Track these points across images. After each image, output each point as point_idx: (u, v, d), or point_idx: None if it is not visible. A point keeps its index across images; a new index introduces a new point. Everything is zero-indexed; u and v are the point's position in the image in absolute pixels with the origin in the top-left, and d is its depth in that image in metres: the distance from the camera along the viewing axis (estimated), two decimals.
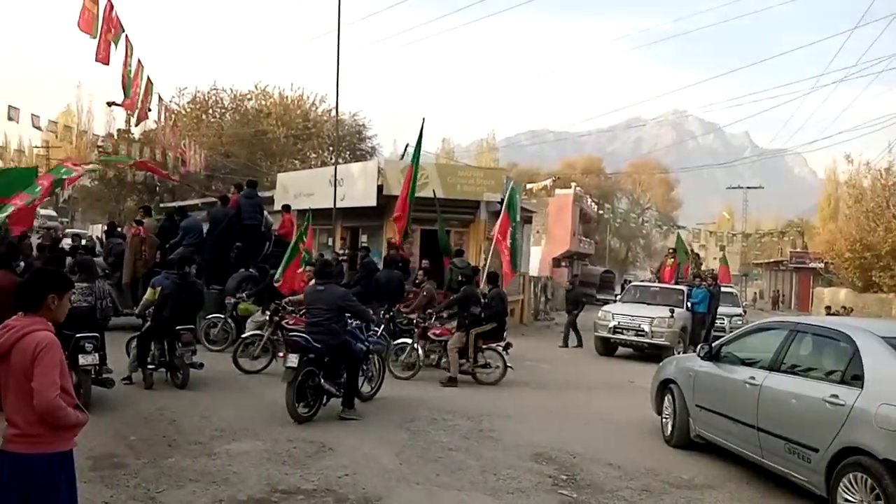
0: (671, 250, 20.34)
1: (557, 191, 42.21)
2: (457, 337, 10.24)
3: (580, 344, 16.11)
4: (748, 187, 61.19)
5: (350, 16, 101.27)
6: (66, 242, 20.02)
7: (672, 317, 14.62)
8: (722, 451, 6.77)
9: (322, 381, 7.46)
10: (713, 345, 7.20)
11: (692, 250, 21.44)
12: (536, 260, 37.08)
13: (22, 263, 8.64)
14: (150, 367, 8.60)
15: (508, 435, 7.39)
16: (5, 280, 6.59)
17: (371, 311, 11.44)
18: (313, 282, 8.76)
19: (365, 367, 8.27)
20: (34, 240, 14.86)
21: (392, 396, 8.95)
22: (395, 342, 10.83)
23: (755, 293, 61.66)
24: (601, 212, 46.65)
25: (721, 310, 19.38)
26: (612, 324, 15.20)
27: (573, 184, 46.14)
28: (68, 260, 10.14)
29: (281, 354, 8.43)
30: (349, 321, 7.92)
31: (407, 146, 17.46)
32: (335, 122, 21.79)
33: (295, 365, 7.20)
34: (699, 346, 7.42)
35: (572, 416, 8.72)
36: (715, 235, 50.02)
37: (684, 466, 6.65)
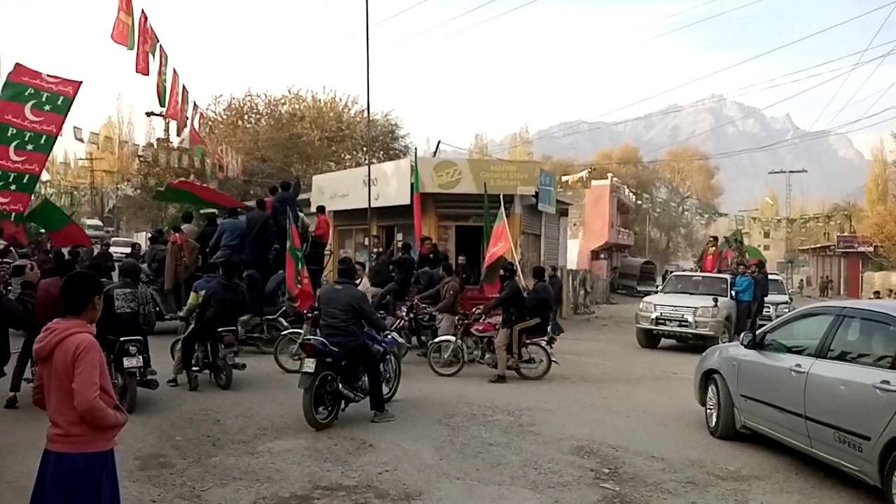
0: (712, 238, 19.93)
1: (593, 182, 41.71)
2: (503, 334, 10.19)
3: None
4: (791, 171, 59.55)
5: (378, 15, 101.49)
6: (115, 250, 20.60)
7: (716, 306, 14.33)
8: (769, 442, 6.61)
9: (340, 385, 7.20)
10: (757, 332, 7.03)
11: (737, 238, 20.92)
12: (574, 253, 36.79)
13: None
14: (194, 368, 8.78)
15: (549, 429, 7.33)
16: (53, 286, 6.79)
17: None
18: (331, 281, 8.72)
19: (383, 369, 7.95)
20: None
21: (432, 393, 8.97)
22: (436, 339, 10.87)
23: (801, 280, 60.05)
24: (639, 202, 46.04)
25: (767, 298, 18.96)
26: (654, 315, 14.97)
27: (609, 174, 45.53)
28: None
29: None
30: None
31: (439, 143, 17.45)
32: (367, 122, 21.90)
33: (311, 370, 6.94)
34: (742, 334, 7.25)
35: (614, 409, 8.61)
36: (759, 222, 48.93)
37: (730, 457, 6.51)
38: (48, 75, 9.12)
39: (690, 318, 14.40)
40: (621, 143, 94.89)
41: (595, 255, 41.17)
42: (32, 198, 10.40)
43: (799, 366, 5.90)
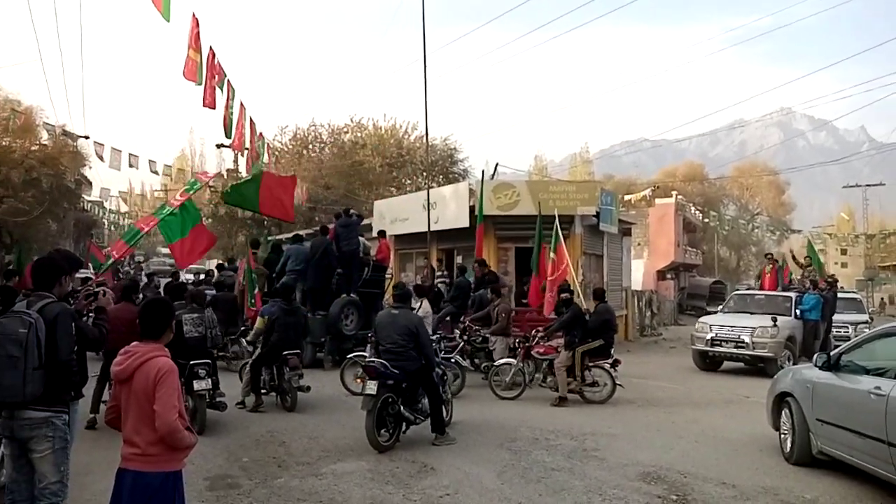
0: (768, 255, 19.10)
1: (658, 200, 40.92)
2: (564, 356, 10.07)
3: None
4: (867, 185, 56.86)
5: (435, 43, 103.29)
6: (186, 277, 21.43)
7: (775, 326, 13.66)
8: (849, 469, 6.27)
9: (401, 408, 7.24)
10: (832, 354, 6.71)
11: (795, 255, 19.87)
12: (639, 273, 36.01)
13: (141, 296, 9.30)
14: (262, 391, 9.02)
15: (614, 454, 7.16)
16: (127, 312, 7.12)
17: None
18: (387, 306, 8.77)
19: (443, 392, 7.92)
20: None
21: (492, 416, 8.91)
22: (496, 363, 10.83)
23: (882, 298, 56.94)
24: (706, 220, 44.78)
25: (845, 317, 17.99)
26: (709, 336, 14.39)
27: (674, 192, 44.54)
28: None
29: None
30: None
31: (497, 165, 17.51)
32: (426, 148, 22.22)
33: (374, 392, 7.00)
34: (816, 356, 6.93)
35: (682, 434, 8.34)
36: (835, 238, 46.81)
37: (807, 485, 6.21)
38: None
39: (747, 339, 13.78)
40: (686, 160, 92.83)
41: (661, 275, 40.16)
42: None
43: (879, 388, 5.59)
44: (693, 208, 46.54)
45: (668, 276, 41.25)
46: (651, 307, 27.05)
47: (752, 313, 14.73)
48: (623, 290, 21.56)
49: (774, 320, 13.79)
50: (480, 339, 11.62)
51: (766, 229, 51.63)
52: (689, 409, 10.13)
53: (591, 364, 10.23)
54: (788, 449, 7.00)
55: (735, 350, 14.08)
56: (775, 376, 7.89)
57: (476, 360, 11.87)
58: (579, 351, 10.04)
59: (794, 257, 18.99)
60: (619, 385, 10.32)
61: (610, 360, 10.33)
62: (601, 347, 10.24)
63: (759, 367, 13.86)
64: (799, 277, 16.97)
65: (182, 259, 10.64)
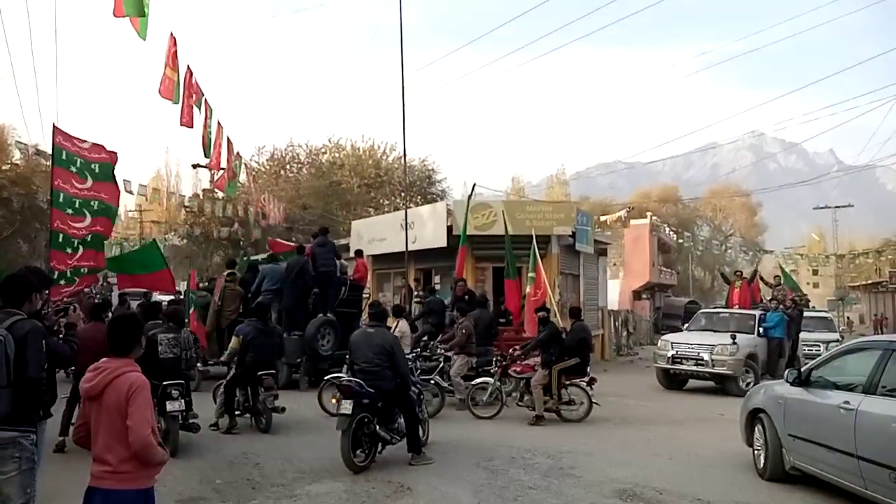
0: (737, 273, 19.26)
1: (633, 221, 41.39)
2: (540, 374, 10.08)
3: None
4: (837, 206, 58.11)
5: (414, 64, 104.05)
6: (158, 297, 21.09)
7: (734, 343, 13.73)
8: (821, 483, 6.34)
9: (377, 427, 7.18)
10: (802, 369, 6.82)
11: (763, 276, 20.08)
12: (615, 293, 36.27)
13: (110, 314, 9.13)
14: (236, 412, 8.90)
15: (590, 472, 7.18)
16: (97, 331, 7.01)
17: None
18: (363, 325, 8.70)
19: (419, 411, 7.85)
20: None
21: (470, 435, 8.89)
22: (474, 382, 10.80)
23: (847, 318, 57.87)
24: (681, 241, 45.36)
25: (816, 336, 18.26)
26: (670, 353, 14.45)
27: (649, 213, 45.11)
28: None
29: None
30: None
31: (474, 186, 17.62)
32: (404, 168, 22.30)
33: (349, 412, 6.91)
34: (787, 372, 7.04)
35: (658, 452, 8.39)
36: (807, 259, 47.65)
37: (780, 501, 6.28)
38: (82, 141, 9.57)
39: (707, 357, 13.83)
40: (660, 182, 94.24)
41: (637, 295, 40.52)
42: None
43: (847, 403, 5.69)
44: (667, 229, 47.15)
45: (644, 295, 41.63)
46: (627, 327, 27.25)
47: (715, 331, 14.73)
48: (599, 310, 21.71)
49: (734, 338, 13.84)
50: (435, 357, 11.52)
51: (739, 250, 52.41)
52: (665, 427, 10.19)
53: (567, 382, 10.25)
54: (762, 465, 7.07)
55: (695, 368, 14.12)
56: (748, 393, 7.99)
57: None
58: (556, 369, 10.07)
59: (761, 277, 19.15)
60: (596, 403, 10.36)
61: (586, 379, 10.37)
62: (578, 366, 10.28)
63: (721, 385, 13.95)
64: (769, 298, 17.12)
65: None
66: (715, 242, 50.49)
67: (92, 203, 9.58)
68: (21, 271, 4.87)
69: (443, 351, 11.49)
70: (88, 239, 9.59)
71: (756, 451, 7.28)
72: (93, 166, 9.61)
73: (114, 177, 10.06)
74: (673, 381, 14.86)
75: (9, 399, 3.85)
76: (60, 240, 9.24)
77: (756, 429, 7.31)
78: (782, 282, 19.16)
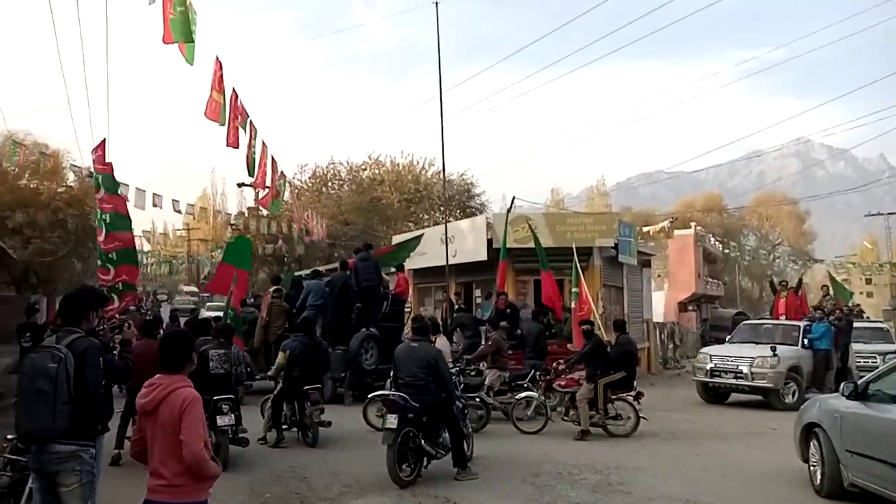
0: (782, 283, 18.65)
1: (676, 232, 40.67)
2: (585, 388, 9.97)
3: None
4: (889, 213, 56.17)
5: (451, 80, 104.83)
6: (206, 314, 21.59)
7: (775, 356, 13.29)
8: (881, 501, 6.10)
9: (422, 442, 7.17)
10: (859, 382, 6.60)
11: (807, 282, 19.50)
12: (660, 305, 35.64)
13: (161, 332, 9.38)
14: (283, 426, 9.02)
15: (639, 488, 7.06)
16: (149, 348, 7.18)
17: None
18: (406, 340, 8.73)
19: (464, 425, 7.86)
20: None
21: (515, 450, 8.83)
22: (518, 396, 10.73)
23: None
24: (727, 251, 44.40)
25: (872, 347, 17.59)
26: (708, 366, 14.05)
27: (693, 223, 44.30)
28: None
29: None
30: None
31: (513, 199, 17.60)
32: (443, 183, 22.44)
33: (394, 426, 6.94)
34: (843, 385, 6.82)
35: (708, 467, 8.20)
36: (859, 268, 46.06)
37: None
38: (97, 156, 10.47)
39: (746, 370, 13.41)
40: (704, 192, 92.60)
41: (683, 306, 39.71)
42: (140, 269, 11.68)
43: None
44: (713, 239, 46.22)
45: (690, 307, 40.78)
46: (673, 339, 26.73)
47: (756, 343, 14.28)
48: (644, 322, 21.37)
49: (774, 350, 13.42)
50: (475, 372, 11.49)
51: (787, 259, 51.02)
52: (715, 442, 9.96)
53: (613, 397, 10.11)
54: (818, 481, 6.85)
55: (734, 381, 13.71)
56: (802, 407, 7.76)
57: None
58: (601, 383, 9.94)
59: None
60: (643, 418, 10.19)
61: (633, 393, 10.22)
62: (624, 379, 10.13)
63: (766, 398, 13.52)
64: (829, 303, 16.61)
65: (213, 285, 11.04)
66: (762, 252, 49.25)
67: (104, 216, 10.60)
68: (79, 290, 5.06)
69: (473, 365, 11.48)
70: (114, 257, 10.43)
71: (812, 467, 7.06)
72: (98, 177, 10.83)
73: (117, 190, 11.13)
74: (714, 394, 14.47)
75: (69, 414, 3.99)
76: (100, 258, 10.44)
77: (811, 444, 7.09)
78: (831, 291, 18.58)
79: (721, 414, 13.05)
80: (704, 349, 15.49)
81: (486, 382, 11.01)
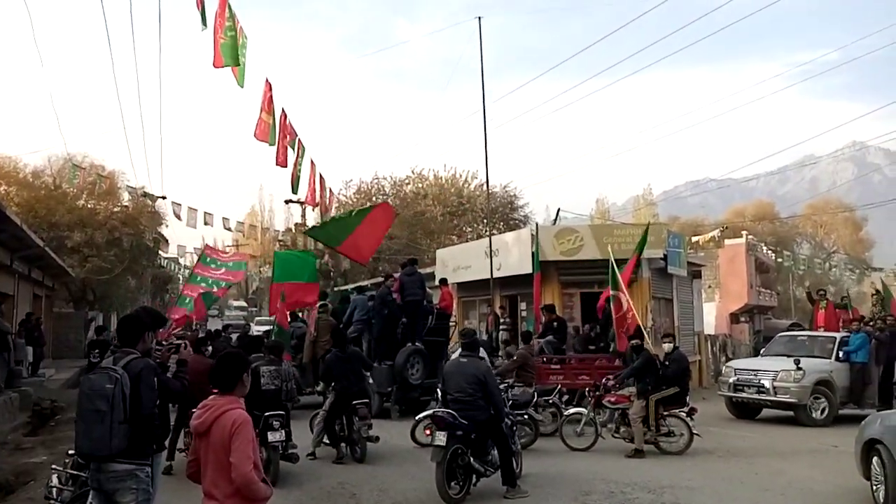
0: (820, 292, 17.82)
1: (727, 241, 39.75)
2: (638, 405, 9.74)
3: None
4: None
5: (494, 93, 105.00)
6: (256, 330, 22.01)
7: (799, 369, 12.63)
8: None
9: (471, 459, 7.10)
10: None
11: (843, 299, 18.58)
12: (711, 317, 34.82)
13: (210, 348, 9.58)
14: (325, 441, 9.09)
15: None
16: (199, 364, 7.33)
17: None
18: (454, 355, 8.67)
19: (513, 442, 7.73)
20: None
21: (565, 468, 8.69)
22: (568, 412, 10.58)
23: None
24: (780, 260, 43.19)
25: None
26: (731, 380, 13.47)
27: (744, 232, 43.22)
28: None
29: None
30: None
31: (559, 211, 17.48)
32: (486, 195, 22.42)
33: (443, 443, 6.87)
34: None
35: (767, 487, 7.92)
36: None
37: None
38: (223, 251, 12.78)
39: (768, 384, 12.78)
40: (754, 199, 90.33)
41: (735, 318, 38.70)
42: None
43: None
44: (765, 248, 45.02)
45: (742, 318, 39.69)
46: (725, 352, 26.04)
47: (789, 356, 13.46)
48: (695, 335, 20.91)
49: (797, 363, 12.76)
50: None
51: (844, 268, 49.31)
52: (773, 460, 9.62)
53: (665, 413, 9.87)
54: (882, 499, 6.55)
55: (757, 396, 13.06)
56: (863, 422, 7.44)
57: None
58: (653, 399, 9.72)
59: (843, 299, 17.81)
60: (697, 434, 9.90)
61: (686, 409, 9.95)
62: (676, 395, 9.88)
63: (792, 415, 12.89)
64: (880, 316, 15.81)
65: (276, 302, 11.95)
66: (817, 261, 47.71)
67: (220, 282, 14.83)
68: (136, 312, 5.20)
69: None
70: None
71: (875, 486, 6.77)
72: (229, 263, 15.18)
73: (246, 267, 13.94)
74: (742, 410, 13.79)
75: (126, 434, 4.09)
76: (185, 301, 14.22)
77: (873, 461, 6.80)
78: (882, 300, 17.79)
79: (777, 430, 12.60)
80: (731, 362, 14.92)
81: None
